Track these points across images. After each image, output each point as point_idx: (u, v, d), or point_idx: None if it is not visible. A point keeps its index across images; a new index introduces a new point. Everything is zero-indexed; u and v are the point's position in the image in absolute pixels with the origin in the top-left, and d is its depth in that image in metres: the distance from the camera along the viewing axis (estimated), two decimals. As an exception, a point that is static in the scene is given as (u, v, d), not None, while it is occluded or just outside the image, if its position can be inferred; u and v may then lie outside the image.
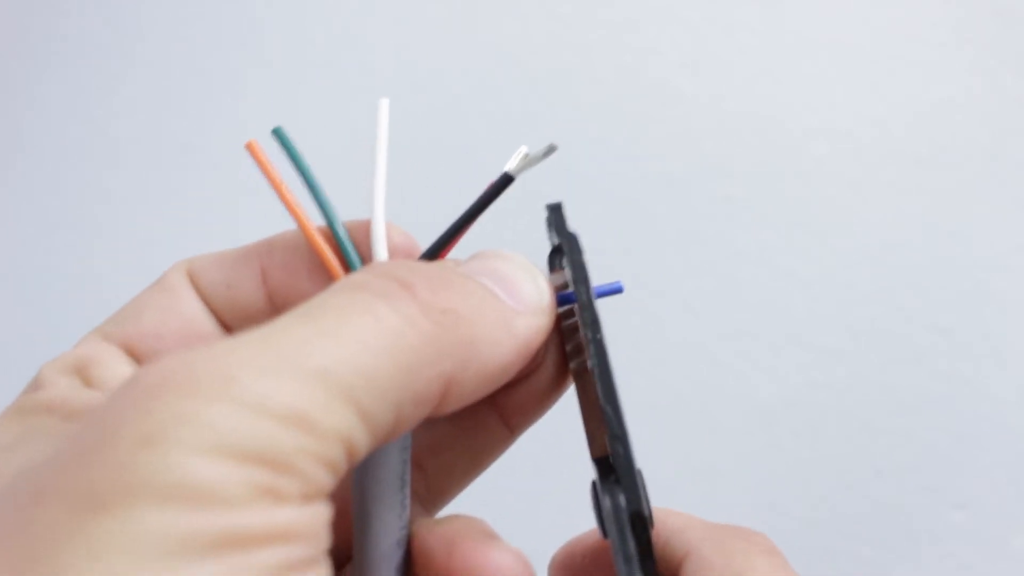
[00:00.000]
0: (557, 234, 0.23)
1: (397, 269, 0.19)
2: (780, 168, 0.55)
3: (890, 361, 0.53)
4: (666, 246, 0.55)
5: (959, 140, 0.55)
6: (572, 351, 0.23)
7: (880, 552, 0.51)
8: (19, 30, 0.63)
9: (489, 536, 0.21)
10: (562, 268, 0.23)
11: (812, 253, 0.54)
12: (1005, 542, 0.51)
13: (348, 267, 0.23)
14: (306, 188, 0.23)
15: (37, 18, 0.63)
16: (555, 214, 0.23)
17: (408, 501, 0.22)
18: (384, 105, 0.24)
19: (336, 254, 0.23)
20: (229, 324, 0.24)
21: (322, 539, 0.17)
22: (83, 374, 0.22)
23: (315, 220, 0.23)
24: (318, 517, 0.17)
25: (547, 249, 0.24)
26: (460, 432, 0.24)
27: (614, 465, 0.20)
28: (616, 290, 0.23)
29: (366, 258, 0.23)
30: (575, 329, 0.23)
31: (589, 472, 0.22)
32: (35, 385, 0.22)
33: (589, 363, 0.21)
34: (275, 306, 0.24)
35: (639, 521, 0.19)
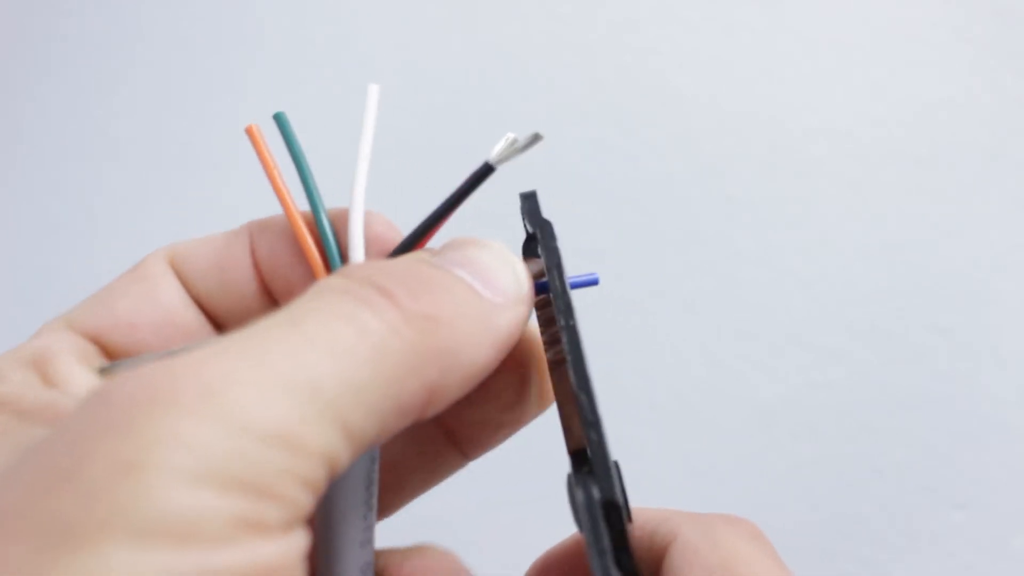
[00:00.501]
0: (530, 222, 0.23)
1: (376, 275, 0.18)
2: (780, 168, 0.55)
3: (890, 361, 0.53)
4: (666, 246, 0.55)
5: (959, 140, 0.55)
6: (548, 341, 0.22)
7: (880, 552, 0.51)
8: (19, 30, 0.63)
9: (462, 574, 0.21)
10: (536, 256, 0.23)
11: (812, 253, 0.54)
12: (1005, 542, 0.51)
13: (329, 262, 0.22)
14: (298, 176, 0.23)
15: (37, 18, 0.63)
16: (529, 202, 0.23)
17: (373, 522, 0.21)
18: (374, 91, 0.23)
19: (319, 247, 0.22)
20: (217, 311, 0.23)
21: (299, 571, 0.16)
22: (41, 369, 0.21)
23: (304, 210, 0.23)
24: (296, 546, 0.16)
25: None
26: (415, 451, 0.24)
27: (588, 455, 0.19)
28: (591, 282, 0.23)
29: (344, 247, 0.22)
30: (550, 320, 0.22)
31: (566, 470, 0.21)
32: None
33: (563, 351, 0.20)
34: (267, 289, 0.23)
35: (613, 511, 0.18)
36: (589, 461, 0.19)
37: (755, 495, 0.52)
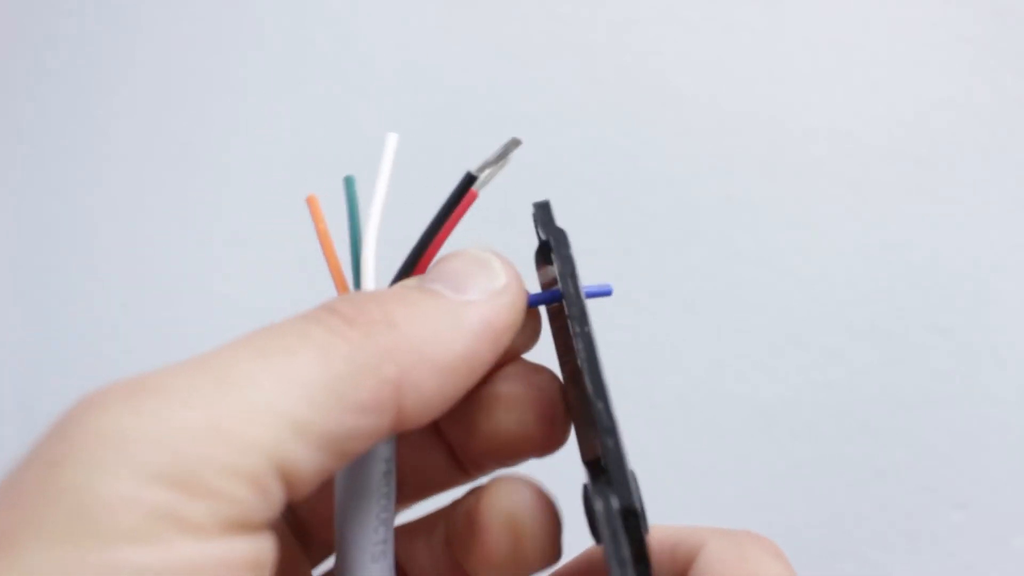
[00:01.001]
0: (544, 230, 0.23)
1: (335, 301, 0.19)
2: (780, 168, 0.55)
3: (890, 361, 0.52)
4: (666, 246, 0.55)
5: (959, 140, 0.54)
6: (561, 351, 0.22)
7: (880, 552, 0.51)
8: (19, 30, 0.63)
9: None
10: (549, 264, 0.23)
11: (812, 253, 0.54)
12: (1005, 542, 0.51)
13: None
14: (349, 240, 0.23)
15: (37, 18, 0.63)
16: (543, 211, 0.23)
17: (389, 517, 0.21)
18: (392, 140, 0.23)
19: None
20: None
21: None
22: None
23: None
24: (240, 550, 0.15)
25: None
26: (415, 462, 0.24)
27: (605, 462, 0.19)
28: (605, 292, 0.23)
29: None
30: (562, 329, 0.22)
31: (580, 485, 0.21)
32: None
33: (578, 359, 0.20)
34: None
35: (631, 518, 0.18)
36: (606, 470, 0.19)
37: (755, 495, 0.52)
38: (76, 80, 0.62)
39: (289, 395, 0.16)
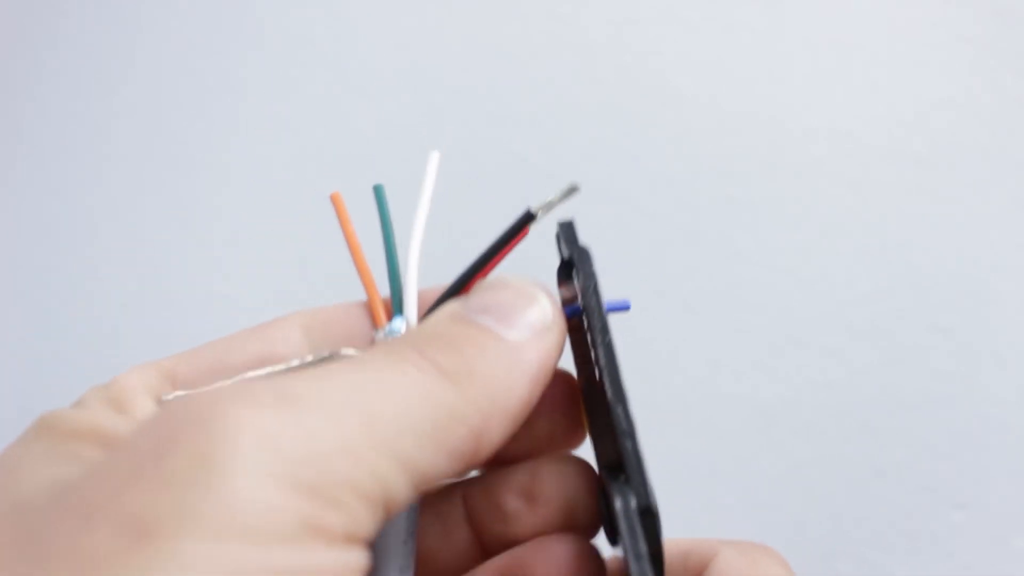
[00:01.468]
0: (567, 247, 0.24)
1: (416, 339, 0.20)
2: (780, 168, 0.55)
3: (890, 361, 0.52)
4: (666, 246, 0.55)
5: (959, 140, 0.54)
6: (580, 362, 0.23)
7: (880, 552, 0.51)
8: (19, 30, 0.63)
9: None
10: (569, 281, 0.24)
11: (812, 253, 0.54)
12: (1005, 542, 0.51)
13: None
14: (384, 247, 0.24)
15: (37, 18, 0.63)
16: (567, 231, 0.24)
17: (411, 563, 0.22)
18: (434, 158, 0.24)
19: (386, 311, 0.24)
20: None
21: None
22: (117, 402, 0.21)
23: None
24: (356, 562, 0.16)
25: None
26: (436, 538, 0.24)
27: (624, 464, 0.20)
28: (623, 307, 0.24)
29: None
30: (579, 342, 0.23)
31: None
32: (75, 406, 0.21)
33: (598, 368, 0.22)
34: None
35: (648, 516, 0.19)
36: (624, 471, 0.20)
37: (755, 495, 0.52)
38: (76, 80, 0.62)
39: (403, 433, 0.17)
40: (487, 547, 0.24)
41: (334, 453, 0.16)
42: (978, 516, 0.51)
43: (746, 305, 0.54)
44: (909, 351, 0.52)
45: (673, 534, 0.24)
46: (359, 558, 0.17)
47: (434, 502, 0.24)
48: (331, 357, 0.23)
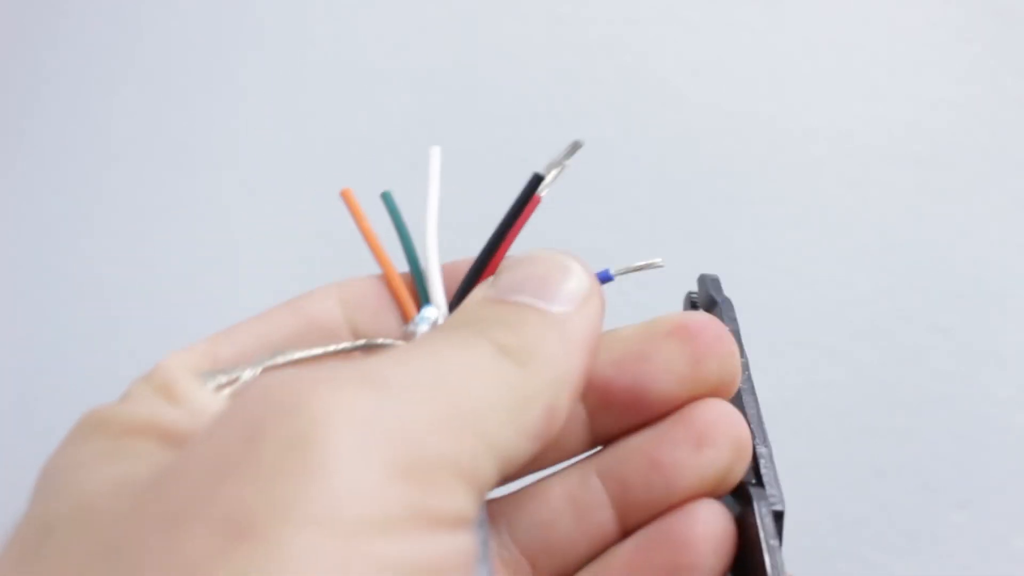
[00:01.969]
0: (707, 299, 0.28)
1: (472, 322, 0.19)
2: (780, 168, 0.55)
3: (890, 361, 0.52)
4: (666, 246, 0.55)
5: (959, 140, 0.54)
6: None
7: (880, 552, 0.51)
8: (19, 30, 0.63)
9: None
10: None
11: (812, 253, 0.54)
12: (1005, 542, 0.51)
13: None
14: (402, 246, 0.24)
15: (37, 18, 0.63)
16: (714, 284, 0.29)
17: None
18: (436, 153, 0.24)
19: (413, 297, 0.24)
20: None
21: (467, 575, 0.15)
22: (166, 391, 0.20)
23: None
24: (465, 547, 0.15)
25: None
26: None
27: (760, 472, 0.24)
28: (605, 278, 0.24)
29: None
30: None
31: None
32: (123, 399, 0.20)
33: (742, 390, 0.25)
34: None
35: (781, 519, 0.24)
36: (757, 475, 0.24)
37: (755, 495, 0.52)
38: (76, 80, 0.62)
39: (487, 415, 0.17)
40: (626, 522, 0.23)
41: (432, 434, 0.15)
42: (978, 516, 0.51)
43: (746, 305, 0.54)
44: (909, 351, 0.52)
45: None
46: (469, 542, 0.16)
47: (558, 489, 0.23)
48: (367, 345, 0.22)
